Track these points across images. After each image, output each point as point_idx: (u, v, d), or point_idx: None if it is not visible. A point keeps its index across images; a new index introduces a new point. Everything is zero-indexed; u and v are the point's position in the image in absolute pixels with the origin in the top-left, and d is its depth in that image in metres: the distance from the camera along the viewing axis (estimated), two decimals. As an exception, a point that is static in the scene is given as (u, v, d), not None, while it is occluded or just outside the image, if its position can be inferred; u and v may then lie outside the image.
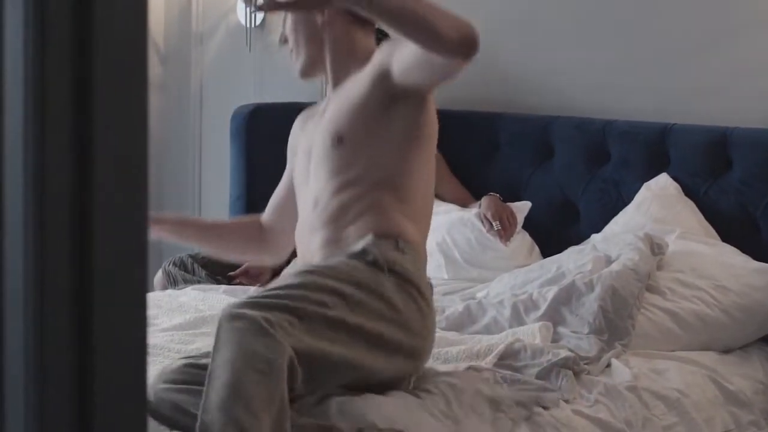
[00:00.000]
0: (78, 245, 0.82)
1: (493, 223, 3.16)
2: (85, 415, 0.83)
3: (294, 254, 3.35)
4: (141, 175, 0.86)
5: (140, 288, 0.88)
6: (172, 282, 3.39)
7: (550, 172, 3.47)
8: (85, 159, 0.82)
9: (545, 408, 2.24)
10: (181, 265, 3.43)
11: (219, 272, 3.42)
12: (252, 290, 3.03)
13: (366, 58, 2.35)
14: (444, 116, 3.68)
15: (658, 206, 3.16)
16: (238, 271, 3.31)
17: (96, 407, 0.84)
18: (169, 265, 3.44)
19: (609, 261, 2.81)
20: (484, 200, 3.27)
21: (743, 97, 3.25)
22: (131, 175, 0.85)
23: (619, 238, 2.93)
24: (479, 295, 2.96)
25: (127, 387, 0.87)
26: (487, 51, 3.79)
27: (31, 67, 0.80)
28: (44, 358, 0.82)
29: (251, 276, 3.29)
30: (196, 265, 3.43)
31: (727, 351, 2.82)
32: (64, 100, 0.81)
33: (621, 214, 3.23)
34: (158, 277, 3.49)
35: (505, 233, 3.18)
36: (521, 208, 3.32)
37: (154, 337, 2.55)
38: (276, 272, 3.30)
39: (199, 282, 3.35)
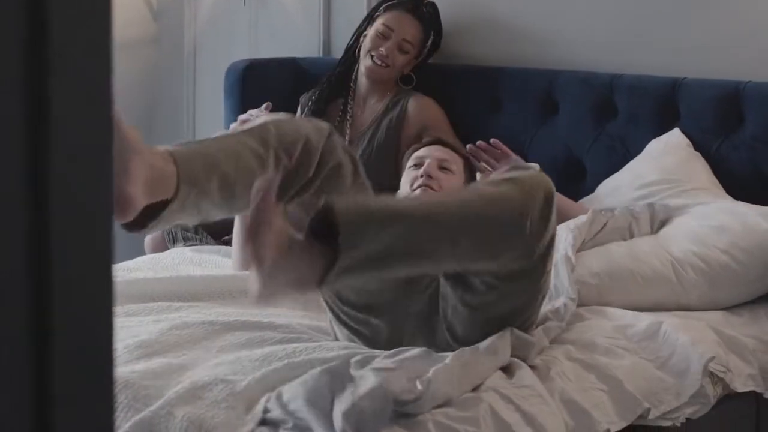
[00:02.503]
0: (34, 236, 0.73)
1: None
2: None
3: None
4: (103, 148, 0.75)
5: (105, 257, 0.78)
6: (171, 239, 3.30)
7: (554, 129, 3.37)
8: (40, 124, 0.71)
9: None
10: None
11: (213, 231, 3.34)
12: None
13: None
14: (443, 71, 3.59)
15: (668, 160, 3.06)
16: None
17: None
18: None
19: None
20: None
21: (757, 51, 3.14)
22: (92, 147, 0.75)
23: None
24: None
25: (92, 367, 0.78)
26: (487, 1, 3.68)
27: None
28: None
29: None
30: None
31: (733, 309, 2.72)
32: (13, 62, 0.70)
33: (630, 164, 3.13)
34: (153, 234, 3.39)
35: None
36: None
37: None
38: None
39: (200, 241, 3.27)
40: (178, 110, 4.36)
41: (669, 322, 2.49)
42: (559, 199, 2.95)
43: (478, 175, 3.00)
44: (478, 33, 3.63)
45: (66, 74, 0.72)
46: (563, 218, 2.73)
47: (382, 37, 3.39)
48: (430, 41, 3.48)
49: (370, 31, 3.43)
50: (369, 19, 3.49)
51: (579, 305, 2.54)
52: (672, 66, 3.24)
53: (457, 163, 2.87)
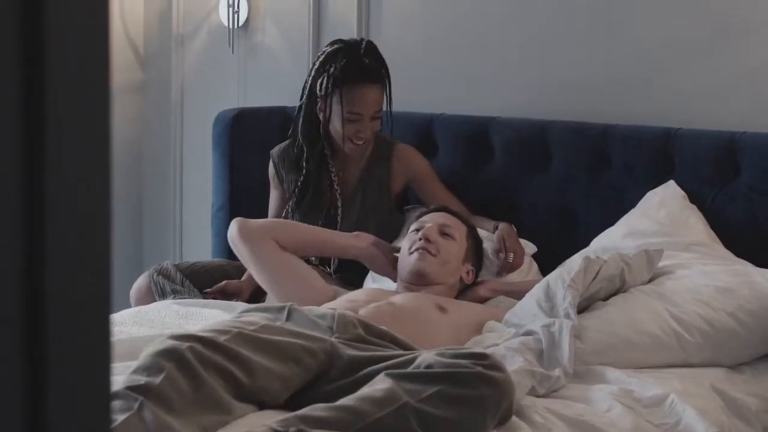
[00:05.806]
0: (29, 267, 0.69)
1: (508, 254, 3.06)
2: None
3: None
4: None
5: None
6: (159, 292, 3.25)
7: (547, 180, 3.33)
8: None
9: None
10: (167, 275, 3.28)
11: (200, 284, 3.28)
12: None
13: None
14: (433, 122, 3.55)
15: (664, 214, 3.02)
16: (214, 288, 3.18)
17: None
18: (156, 274, 3.29)
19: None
20: (504, 226, 3.14)
21: (752, 100, 3.11)
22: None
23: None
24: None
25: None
26: (477, 51, 3.64)
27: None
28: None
29: (227, 293, 3.16)
30: (180, 275, 3.29)
31: (735, 366, 2.67)
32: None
33: (625, 218, 3.08)
34: (139, 285, 3.33)
35: (513, 267, 3.08)
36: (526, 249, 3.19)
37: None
38: (255, 292, 3.15)
39: (188, 294, 3.21)
40: (166, 159, 4.32)
41: (674, 389, 2.43)
42: (521, 283, 2.96)
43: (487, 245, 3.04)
44: (469, 83, 3.61)
45: (62, 122, 0.70)
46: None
47: (353, 122, 3.20)
48: (388, 87, 3.26)
49: (337, 116, 3.21)
50: (323, 90, 3.22)
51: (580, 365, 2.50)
52: (666, 116, 3.21)
53: (459, 231, 2.92)
